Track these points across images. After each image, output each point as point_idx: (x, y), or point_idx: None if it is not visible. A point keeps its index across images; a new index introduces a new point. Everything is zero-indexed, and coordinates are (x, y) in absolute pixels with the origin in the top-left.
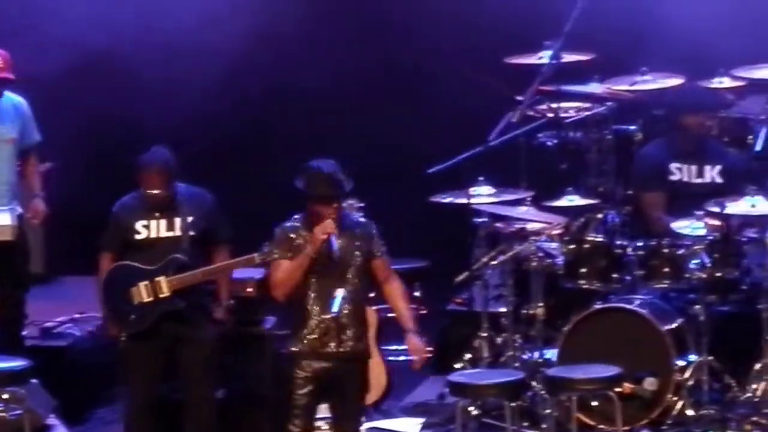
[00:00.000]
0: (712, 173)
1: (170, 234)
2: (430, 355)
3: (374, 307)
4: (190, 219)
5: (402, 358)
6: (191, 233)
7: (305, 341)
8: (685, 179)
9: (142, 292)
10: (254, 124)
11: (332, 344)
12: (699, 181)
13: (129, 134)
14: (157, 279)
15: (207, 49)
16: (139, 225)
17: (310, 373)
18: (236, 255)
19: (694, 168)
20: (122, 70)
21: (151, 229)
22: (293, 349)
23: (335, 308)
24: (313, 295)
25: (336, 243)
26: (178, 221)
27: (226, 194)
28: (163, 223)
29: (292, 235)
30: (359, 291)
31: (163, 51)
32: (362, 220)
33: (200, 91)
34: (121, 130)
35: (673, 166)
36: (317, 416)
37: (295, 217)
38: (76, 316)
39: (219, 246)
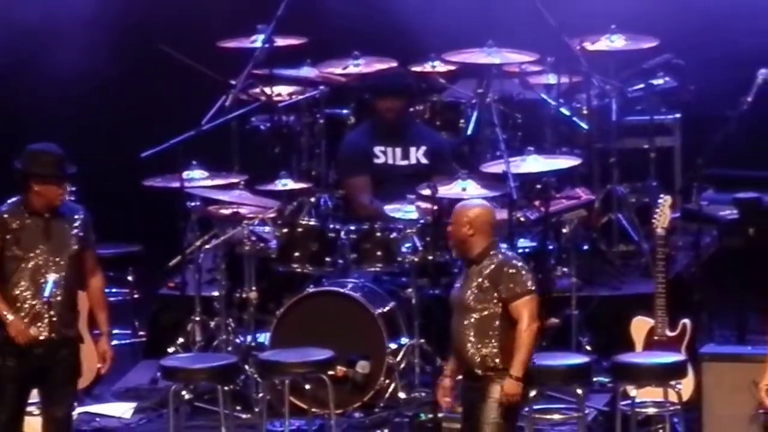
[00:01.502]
0: (417, 155)
1: None
2: (108, 365)
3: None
4: None
5: (114, 342)
6: None
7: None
8: (390, 162)
9: None
10: None
11: (43, 330)
12: (404, 163)
13: None
14: None
15: None
16: None
17: (19, 360)
18: None
19: (398, 150)
20: None
21: None
22: (1, 335)
23: (47, 293)
24: (23, 280)
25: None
26: None
27: None
28: None
29: (7, 217)
30: (72, 277)
31: None
32: (77, 205)
33: None
34: None
35: (377, 149)
36: (29, 401)
37: (11, 200)
38: None
39: None
